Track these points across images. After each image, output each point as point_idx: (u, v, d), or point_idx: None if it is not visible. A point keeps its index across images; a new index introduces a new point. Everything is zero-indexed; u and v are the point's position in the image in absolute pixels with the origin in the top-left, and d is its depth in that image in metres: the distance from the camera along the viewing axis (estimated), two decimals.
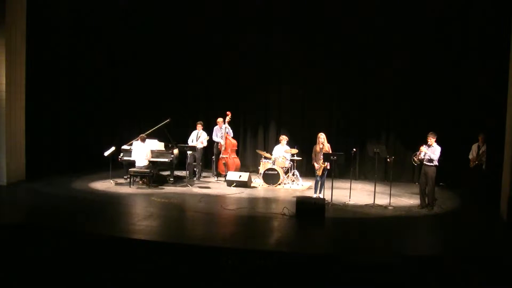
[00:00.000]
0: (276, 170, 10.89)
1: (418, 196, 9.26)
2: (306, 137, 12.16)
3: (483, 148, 10.03)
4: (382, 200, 9.42)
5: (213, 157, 12.07)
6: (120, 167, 11.15)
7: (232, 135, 11.89)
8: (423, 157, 8.93)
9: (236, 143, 12.04)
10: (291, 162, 11.24)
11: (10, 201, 9.28)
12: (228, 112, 11.70)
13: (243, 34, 12.69)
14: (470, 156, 10.29)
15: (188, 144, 11.49)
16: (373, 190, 9.37)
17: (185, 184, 10.86)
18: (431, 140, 8.84)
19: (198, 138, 11.68)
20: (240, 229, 7.92)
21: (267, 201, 9.69)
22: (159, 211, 8.47)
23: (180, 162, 11.51)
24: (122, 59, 13.17)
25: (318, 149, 9.70)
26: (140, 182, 10.76)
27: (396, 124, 12.14)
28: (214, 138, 11.85)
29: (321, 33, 12.31)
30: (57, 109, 12.30)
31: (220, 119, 11.78)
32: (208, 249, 6.44)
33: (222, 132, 11.72)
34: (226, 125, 11.68)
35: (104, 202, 9.14)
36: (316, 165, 9.69)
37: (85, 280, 5.69)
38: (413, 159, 9.25)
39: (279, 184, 10.93)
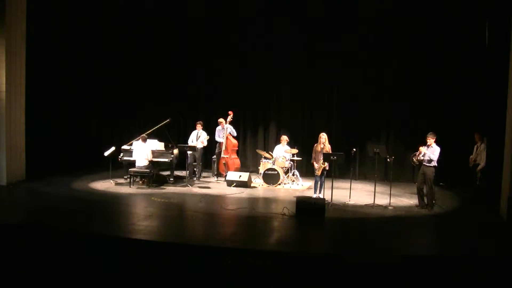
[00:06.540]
0: (276, 170, 10.89)
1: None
2: (306, 137, 12.16)
3: (481, 147, 10.03)
4: (382, 200, 9.41)
5: (214, 157, 12.07)
6: (120, 167, 11.16)
7: (235, 135, 11.88)
8: (422, 158, 8.92)
9: (237, 144, 12.02)
10: (291, 162, 11.24)
11: (10, 201, 9.28)
12: (230, 112, 11.69)
13: (243, 34, 12.69)
14: (471, 156, 10.31)
15: (188, 144, 11.49)
16: (373, 190, 9.36)
17: (185, 184, 10.86)
18: (430, 140, 8.82)
19: (198, 138, 11.68)
20: (240, 229, 7.92)
21: (267, 201, 9.68)
22: (159, 211, 8.47)
23: (180, 162, 11.53)
24: (122, 59, 13.15)
25: (319, 148, 9.70)
26: (140, 182, 10.76)
27: (396, 124, 12.13)
28: (217, 138, 11.84)
29: (321, 32, 12.29)
30: (57, 109, 12.29)
31: (221, 120, 11.77)
32: (208, 249, 6.44)
33: (224, 132, 11.71)
34: (228, 125, 11.68)
35: (104, 202, 9.14)
36: (315, 164, 9.71)
37: (85, 280, 5.69)
38: (412, 160, 9.24)
39: (279, 184, 10.92)
